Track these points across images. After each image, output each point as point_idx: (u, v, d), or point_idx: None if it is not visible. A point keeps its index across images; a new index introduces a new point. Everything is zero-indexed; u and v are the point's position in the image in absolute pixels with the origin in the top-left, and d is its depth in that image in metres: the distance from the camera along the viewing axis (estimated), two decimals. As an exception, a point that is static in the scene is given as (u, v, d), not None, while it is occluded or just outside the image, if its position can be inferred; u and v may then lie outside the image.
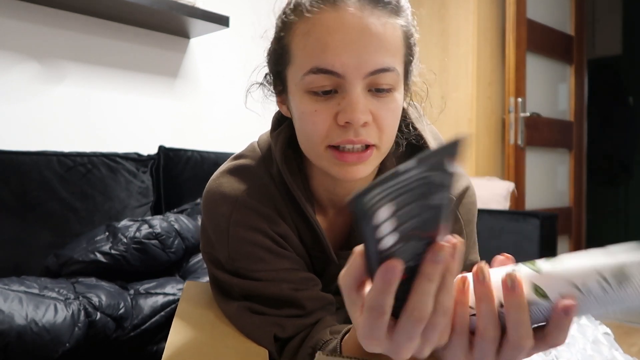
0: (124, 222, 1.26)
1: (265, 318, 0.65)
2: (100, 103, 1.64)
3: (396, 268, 0.34)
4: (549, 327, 0.38)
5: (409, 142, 0.69)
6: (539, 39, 2.53)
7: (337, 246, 0.73)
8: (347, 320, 0.65)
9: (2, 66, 1.43)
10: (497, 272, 0.40)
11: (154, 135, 1.76)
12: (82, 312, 0.92)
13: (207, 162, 1.68)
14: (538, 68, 2.58)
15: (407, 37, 0.61)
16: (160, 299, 1.05)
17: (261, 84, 0.71)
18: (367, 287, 0.38)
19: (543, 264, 0.39)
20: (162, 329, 1.02)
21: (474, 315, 0.40)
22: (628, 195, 3.93)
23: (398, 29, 0.59)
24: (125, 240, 1.19)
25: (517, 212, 2.02)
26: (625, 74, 3.77)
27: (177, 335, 0.67)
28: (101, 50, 1.64)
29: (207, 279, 0.92)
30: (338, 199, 0.70)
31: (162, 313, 1.03)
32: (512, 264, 0.41)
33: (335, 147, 0.59)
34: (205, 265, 1.26)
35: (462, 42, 2.41)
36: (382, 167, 0.69)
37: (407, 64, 0.63)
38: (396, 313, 0.37)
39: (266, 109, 0.73)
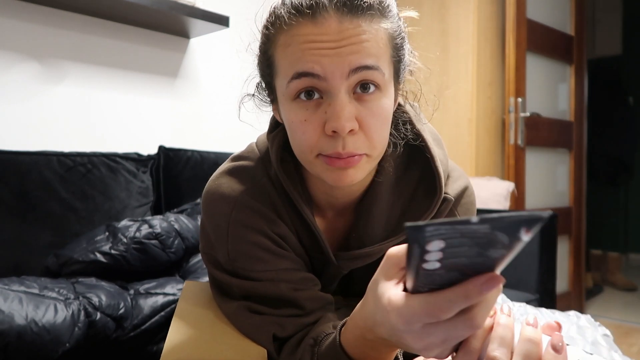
0: (124, 222, 1.26)
1: (264, 318, 0.65)
2: (100, 103, 1.64)
3: (496, 282, 0.36)
4: None
5: (407, 141, 0.69)
6: (539, 39, 2.53)
7: (336, 247, 0.73)
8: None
9: (2, 66, 1.43)
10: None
11: (154, 135, 1.76)
12: (82, 312, 0.92)
13: (207, 162, 1.68)
14: (538, 68, 2.58)
15: (394, 38, 0.60)
16: (160, 299, 1.05)
17: (253, 95, 0.71)
18: (393, 282, 0.44)
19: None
20: (162, 329, 1.02)
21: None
22: (628, 195, 3.93)
23: (381, 32, 0.58)
24: (125, 240, 1.19)
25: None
26: (625, 74, 3.77)
27: (176, 334, 0.68)
28: (101, 50, 1.64)
29: (207, 279, 0.92)
30: (335, 200, 0.70)
31: (162, 313, 1.03)
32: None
33: (325, 155, 0.59)
34: (205, 266, 1.27)
35: (462, 42, 2.41)
36: (379, 169, 0.69)
37: (396, 64, 0.62)
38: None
39: (261, 115, 0.73)
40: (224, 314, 0.71)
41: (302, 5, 0.56)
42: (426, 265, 0.35)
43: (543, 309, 1.07)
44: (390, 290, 0.43)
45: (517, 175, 2.41)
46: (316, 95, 0.57)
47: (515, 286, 1.77)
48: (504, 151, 2.52)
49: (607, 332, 1.02)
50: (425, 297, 0.39)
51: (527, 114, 2.43)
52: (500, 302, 1.08)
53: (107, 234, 1.23)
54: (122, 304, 0.99)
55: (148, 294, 1.06)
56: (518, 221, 0.31)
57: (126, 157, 1.49)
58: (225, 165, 0.73)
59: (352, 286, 0.76)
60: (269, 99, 0.69)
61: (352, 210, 0.72)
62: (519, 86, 2.41)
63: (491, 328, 0.43)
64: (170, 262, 1.25)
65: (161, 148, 1.64)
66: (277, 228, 0.67)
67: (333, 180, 0.59)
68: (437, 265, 0.35)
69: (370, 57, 0.56)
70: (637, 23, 3.96)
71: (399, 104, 0.69)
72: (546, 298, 1.79)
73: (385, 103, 0.59)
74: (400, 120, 0.69)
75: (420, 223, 0.31)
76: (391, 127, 0.64)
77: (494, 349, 0.42)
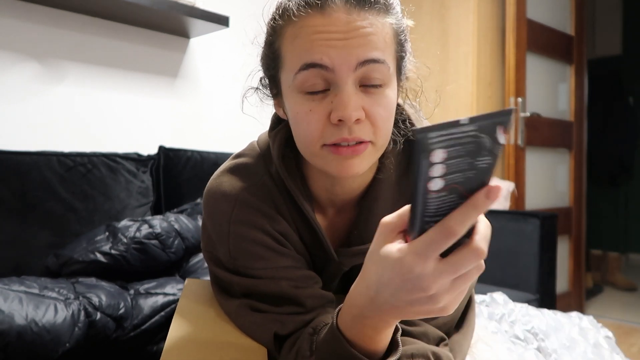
0: (124, 222, 1.26)
1: (265, 316, 0.65)
2: (100, 103, 1.64)
3: (498, 190, 0.39)
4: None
5: (407, 139, 0.69)
6: (539, 39, 2.53)
7: (337, 244, 0.73)
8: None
9: (2, 66, 1.43)
10: None
11: (154, 135, 1.76)
12: (82, 312, 0.92)
13: (207, 162, 1.68)
14: (538, 68, 2.58)
15: (397, 34, 0.62)
16: (160, 299, 1.05)
17: (257, 88, 0.71)
18: (397, 241, 0.45)
19: None
20: (162, 329, 1.02)
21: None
22: (628, 195, 3.93)
23: (387, 27, 0.59)
24: (125, 240, 1.19)
25: (517, 212, 2.02)
26: (625, 74, 3.77)
27: (177, 333, 0.68)
28: (101, 50, 1.64)
29: (207, 278, 0.92)
30: (336, 197, 0.70)
31: (162, 313, 1.03)
32: None
33: (330, 145, 0.59)
34: (205, 265, 1.27)
35: (462, 42, 2.41)
36: (380, 166, 0.69)
37: (399, 60, 0.63)
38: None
39: (263, 110, 0.73)
40: (225, 312, 0.71)
41: None
42: (431, 186, 0.38)
43: (545, 310, 1.07)
44: (396, 244, 0.44)
45: (517, 175, 2.41)
46: (323, 88, 0.58)
47: (516, 286, 1.77)
48: (503, 151, 2.53)
49: (610, 333, 1.02)
50: (437, 224, 0.41)
51: (527, 114, 2.43)
52: (502, 302, 1.08)
53: (107, 234, 1.23)
54: (122, 304, 0.99)
55: (148, 294, 1.06)
56: (492, 115, 0.37)
57: (126, 157, 1.49)
58: (226, 163, 0.73)
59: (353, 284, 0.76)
60: (271, 95, 0.69)
61: (353, 207, 0.72)
62: (519, 86, 2.41)
63: None
64: (170, 262, 1.25)
65: (161, 148, 1.64)
66: (278, 225, 0.67)
67: (338, 170, 0.60)
68: (440, 184, 0.38)
69: (377, 50, 0.57)
70: (637, 23, 3.96)
71: (398, 104, 0.70)
72: (546, 298, 1.79)
73: (390, 95, 0.60)
74: (400, 119, 0.69)
75: (426, 127, 0.35)
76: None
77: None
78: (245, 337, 0.67)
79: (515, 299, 1.23)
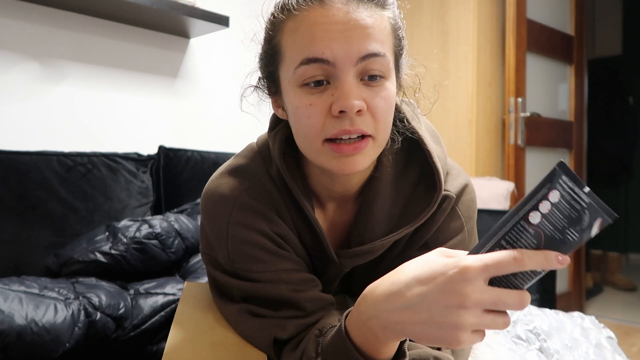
0: (124, 222, 1.26)
1: (264, 320, 0.65)
2: (100, 103, 1.64)
3: (566, 262, 0.42)
4: None
5: (405, 137, 0.69)
6: (539, 39, 2.53)
7: (337, 246, 0.73)
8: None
9: (2, 66, 1.43)
10: None
11: (154, 135, 1.76)
12: (82, 312, 0.92)
13: (207, 162, 1.68)
14: (538, 68, 2.58)
15: (395, 29, 0.63)
16: (160, 299, 1.05)
17: (256, 87, 0.71)
18: None
19: None
20: (162, 329, 1.02)
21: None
22: (628, 195, 3.93)
23: (385, 20, 0.60)
24: (125, 240, 1.19)
25: (517, 212, 2.01)
26: (625, 74, 3.77)
27: (176, 340, 0.67)
28: (101, 50, 1.64)
29: (207, 279, 0.92)
30: (336, 194, 0.70)
31: (162, 313, 1.03)
32: None
33: (332, 141, 0.59)
34: (205, 266, 1.26)
35: (462, 42, 2.41)
36: (378, 164, 0.69)
37: (397, 56, 0.64)
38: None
39: (261, 111, 0.73)
40: (224, 317, 0.71)
41: None
42: (531, 216, 0.41)
43: (547, 310, 1.07)
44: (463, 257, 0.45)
45: (517, 175, 2.41)
46: (323, 83, 0.58)
47: (516, 286, 1.76)
48: (504, 151, 2.52)
49: (612, 334, 1.02)
50: (511, 250, 0.43)
51: (527, 114, 2.43)
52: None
53: (107, 234, 1.23)
54: (122, 304, 0.99)
55: (148, 294, 1.06)
56: (602, 207, 0.39)
57: (126, 157, 1.49)
58: (225, 165, 0.73)
59: (353, 285, 0.76)
60: (269, 93, 0.69)
61: (353, 207, 0.72)
62: (519, 86, 2.41)
63: None
64: (170, 262, 1.25)
65: (161, 148, 1.64)
66: (277, 228, 0.67)
67: (339, 168, 0.59)
68: (537, 220, 0.41)
69: (377, 43, 0.58)
70: (637, 23, 3.96)
71: (396, 103, 0.70)
72: (546, 298, 1.79)
73: (390, 88, 0.60)
74: (397, 118, 0.69)
75: (563, 164, 0.39)
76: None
77: None
78: (244, 343, 0.66)
79: (515, 299, 1.23)
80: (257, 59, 0.69)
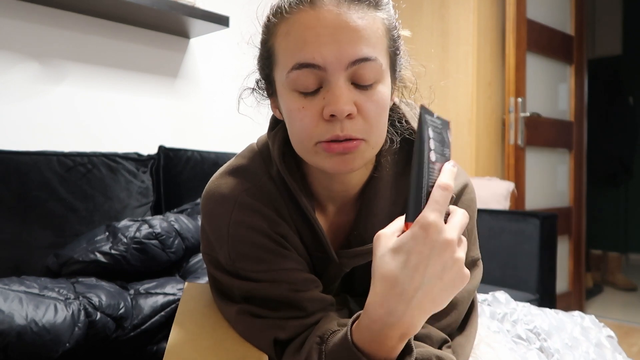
0: (124, 222, 1.26)
1: (265, 321, 0.65)
2: (100, 103, 1.64)
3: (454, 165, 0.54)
4: None
5: (404, 137, 0.69)
6: (539, 39, 2.53)
7: (337, 246, 0.73)
8: (349, 320, 0.65)
9: (2, 66, 1.43)
10: None
11: (154, 135, 1.76)
12: (82, 312, 0.92)
13: (207, 162, 1.68)
14: (538, 68, 2.58)
15: (390, 30, 0.62)
16: (160, 299, 1.05)
17: (253, 89, 0.72)
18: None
19: None
20: (162, 329, 1.02)
21: None
22: (628, 195, 3.93)
23: (378, 21, 0.60)
24: (125, 240, 1.19)
25: (517, 212, 2.02)
26: (625, 74, 3.77)
27: (177, 341, 0.67)
28: (101, 50, 1.64)
29: (207, 279, 0.92)
30: (336, 194, 0.70)
31: (162, 313, 1.03)
32: None
33: (324, 142, 0.59)
34: (205, 265, 1.26)
35: (462, 42, 2.41)
36: (378, 165, 0.69)
37: (393, 56, 0.63)
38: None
39: (260, 112, 0.73)
40: (225, 318, 0.71)
41: None
42: (432, 157, 0.51)
43: (547, 309, 1.07)
44: (407, 232, 0.50)
45: (517, 175, 2.41)
46: (315, 87, 0.58)
47: (516, 286, 1.77)
48: (504, 151, 2.52)
49: (612, 333, 1.02)
50: (435, 186, 0.51)
51: (527, 114, 2.43)
52: (504, 301, 1.08)
53: (107, 234, 1.23)
54: (122, 304, 0.99)
55: (148, 294, 1.06)
56: (441, 118, 0.54)
57: (126, 157, 1.49)
58: (225, 166, 0.73)
59: (354, 286, 0.76)
60: (267, 95, 0.69)
61: (352, 206, 0.72)
62: (519, 86, 2.41)
63: None
64: (170, 262, 1.25)
65: (161, 148, 1.64)
66: (278, 227, 0.67)
67: (332, 167, 0.60)
68: (434, 156, 0.51)
69: (368, 47, 0.57)
70: (637, 23, 3.96)
71: (394, 103, 0.70)
72: (546, 298, 1.79)
73: (383, 91, 0.60)
74: (396, 118, 0.69)
75: (423, 107, 0.50)
76: (387, 123, 0.65)
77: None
78: (245, 343, 0.66)
79: (515, 299, 1.23)
80: (256, 61, 0.69)
